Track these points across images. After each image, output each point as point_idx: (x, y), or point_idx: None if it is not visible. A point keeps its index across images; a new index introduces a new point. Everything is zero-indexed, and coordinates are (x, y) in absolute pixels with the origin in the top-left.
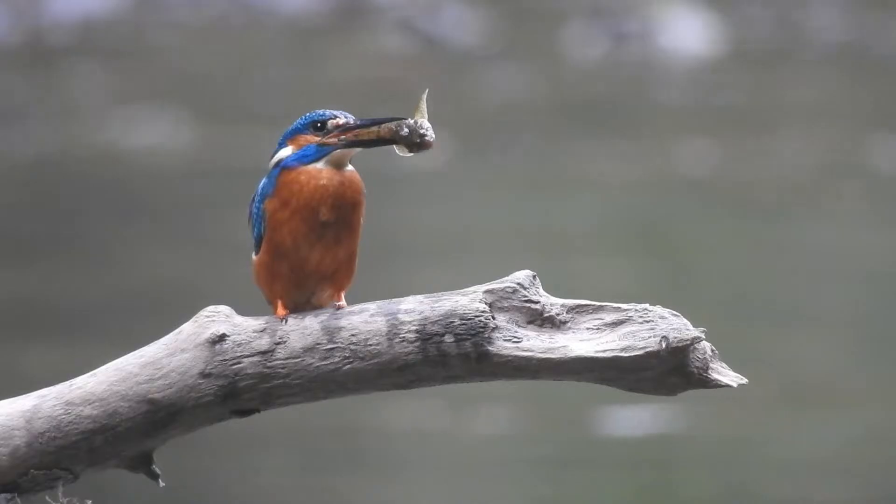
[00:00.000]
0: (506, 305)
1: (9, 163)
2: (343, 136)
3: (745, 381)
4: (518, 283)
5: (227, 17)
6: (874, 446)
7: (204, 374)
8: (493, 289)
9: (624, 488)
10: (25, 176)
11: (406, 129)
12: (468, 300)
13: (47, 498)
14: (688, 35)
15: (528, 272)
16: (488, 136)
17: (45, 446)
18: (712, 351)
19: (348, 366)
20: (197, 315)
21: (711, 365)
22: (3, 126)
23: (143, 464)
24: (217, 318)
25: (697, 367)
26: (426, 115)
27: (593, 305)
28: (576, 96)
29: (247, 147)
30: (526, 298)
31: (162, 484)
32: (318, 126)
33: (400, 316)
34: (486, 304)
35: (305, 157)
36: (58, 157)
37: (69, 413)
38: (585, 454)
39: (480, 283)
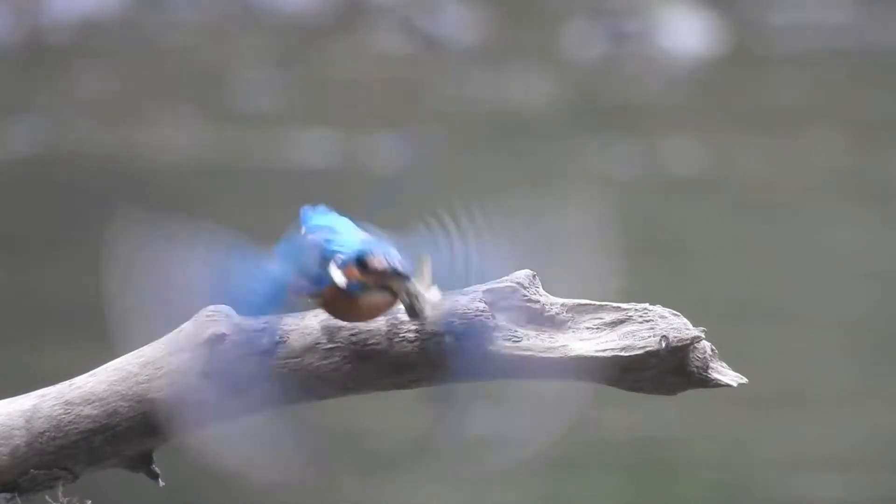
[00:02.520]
0: (505, 305)
1: (9, 162)
2: (381, 285)
3: (745, 380)
4: (518, 283)
5: (227, 16)
6: (874, 446)
7: (204, 374)
8: (493, 288)
9: (624, 488)
10: (26, 175)
11: (406, 297)
12: (468, 300)
13: (47, 498)
14: (688, 35)
15: (527, 272)
16: (487, 136)
17: (45, 446)
18: (712, 350)
19: (348, 365)
20: (197, 315)
21: (711, 364)
22: (3, 125)
23: (143, 464)
24: (217, 318)
25: (697, 367)
26: (429, 282)
27: (593, 305)
28: (575, 96)
29: (247, 146)
30: (526, 298)
31: (162, 484)
32: (363, 264)
33: (400, 316)
34: (485, 303)
35: (351, 293)
36: (58, 156)
37: (69, 413)
38: (585, 454)
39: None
